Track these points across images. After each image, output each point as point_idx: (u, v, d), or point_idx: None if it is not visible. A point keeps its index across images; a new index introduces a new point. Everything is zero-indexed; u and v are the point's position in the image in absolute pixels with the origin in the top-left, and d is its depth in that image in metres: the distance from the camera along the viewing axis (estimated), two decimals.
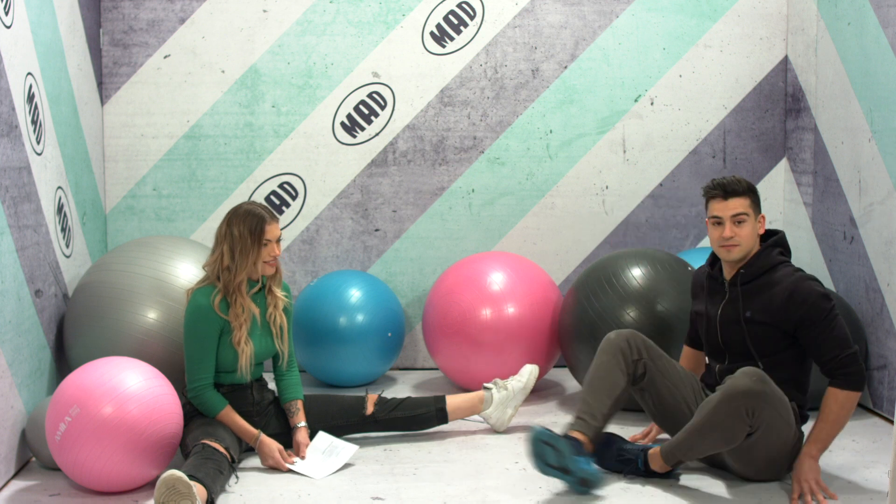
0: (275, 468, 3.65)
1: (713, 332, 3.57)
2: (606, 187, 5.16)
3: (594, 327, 4.22)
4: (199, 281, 3.75)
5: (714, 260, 3.64)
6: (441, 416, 3.97)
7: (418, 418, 3.96)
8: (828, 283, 4.68)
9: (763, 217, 3.53)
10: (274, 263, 3.70)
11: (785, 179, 5.21)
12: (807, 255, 4.95)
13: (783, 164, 5.22)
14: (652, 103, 5.15)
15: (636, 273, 4.26)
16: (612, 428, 4.09)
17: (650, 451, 3.44)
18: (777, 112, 5.19)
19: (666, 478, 3.47)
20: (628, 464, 3.45)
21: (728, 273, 3.54)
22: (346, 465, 3.68)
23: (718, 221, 3.48)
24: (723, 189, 3.46)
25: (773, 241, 3.54)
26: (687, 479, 3.50)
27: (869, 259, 4.34)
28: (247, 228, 3.64)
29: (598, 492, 3.35)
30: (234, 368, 3.68)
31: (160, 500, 3.04)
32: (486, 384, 4.08)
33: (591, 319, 4.25)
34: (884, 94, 4.19)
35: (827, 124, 4.73)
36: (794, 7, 5.06)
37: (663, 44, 5.13)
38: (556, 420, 4.23)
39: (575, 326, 4.33)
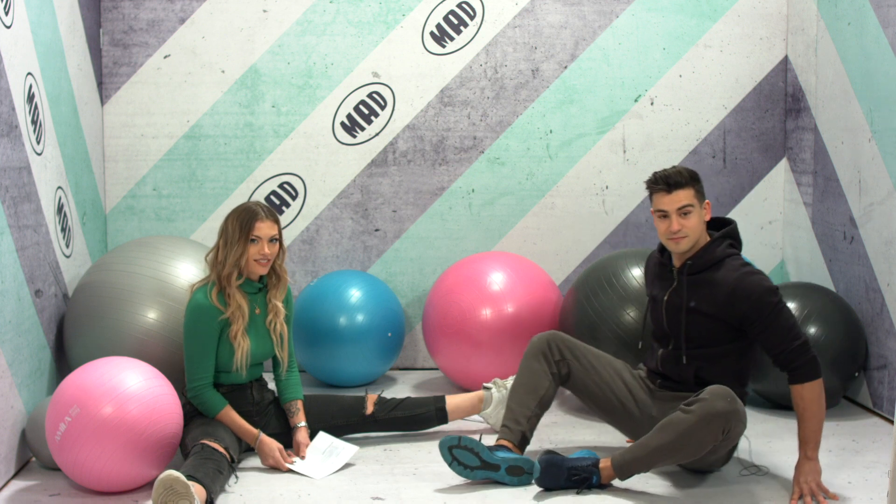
0: (275, 468, 3.64)
1: (659, 316, 3.58)
2: (606, 187, 5.16)
3: (594, 327, 4.23)
4: (203, 278, 3.76)
5: (664, 247, 3.63)
6: (441, 415, 3.97)
7: (418, 418, 3.96)
8: (828, 284, 4.68)
9: (708, 203, 3.52)
10: (265, 264, 3.68)
11: (785, 179, 5.21)
12: (807, 255, 4.95)
13: (783, 164, 5.21)
14: (652, 103, 5.15)
15: (636, 273, 4.26)
16: (602, 433, 4.10)
17: (601, 465, 3.38)
18: (777, 112, 5.19)
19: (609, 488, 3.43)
20: (583, 482, 3.36)
21: (677, 261, 3.54)
22: (346, 465, 3.68)
23: (664, 214, 3.47)
24: (666, 182, 3.45)
25: (724, 233, 3.52)
26: (686, 479, 3.50)
27: (869, 259, 4.34)
28: (237, 222, 3.65)
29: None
30: (231, 366, 3.68)
31: (158, 501, 3.03)
32: (485, 384, 4.08)
33: (591, 319, 4.25)
34: (884, 94, 4.19)
35: (827, 124, 4.73)
36: (794, 7, 5.06)
37: (663, 44, 5.13)
38: (556, 420, 4.23)
39: (575, 326, 4.33)
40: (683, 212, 3.44)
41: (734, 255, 3.50)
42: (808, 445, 3.35)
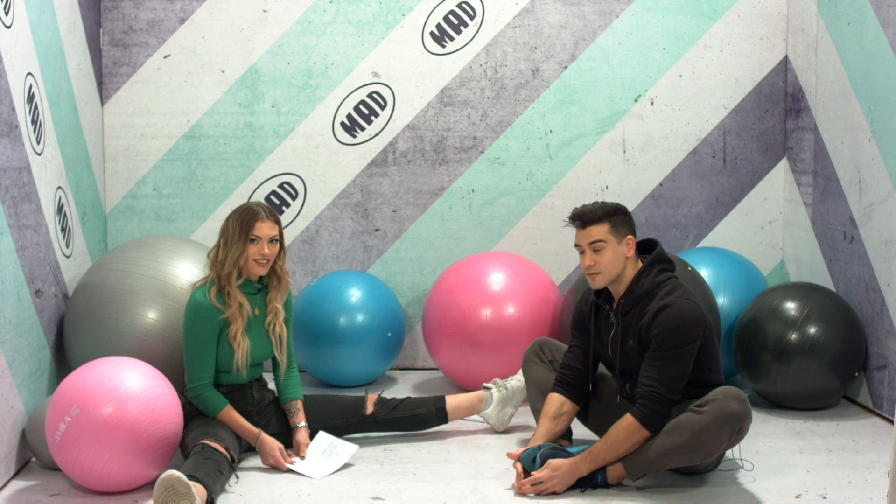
0: (275, 468, 3.64)
1: (611, 362, 3.57)
2: (606, 187, 5.16)
3: None
4: (203, 276, 3.76)
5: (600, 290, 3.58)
6: (441, 415, 3.97)
7: (418, 418, 3.96)
8: (828, 284, 4.68)
9: (631, 238, 3.44)
10: (265, 264, 3.67)
11: (785, 179, 5.21)
12: (807, 255, 4.95)
13: (783, 164, 5.22)
14: (652, 103, 5.15)
15: None
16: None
17: (608, 465, 3.38)
18: (777, 112, 5.19)
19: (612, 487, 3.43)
20: (587, 480, 3.36)
21: (615, 297, 3.50)
22: (346, 465, 3.68)
23: (582, 250, 3.45)
24: (580, 218, 3.43)
25: (652, 259, 3.46)
26: (685, 480, 3.50)
27: (869, 259, 4.34)
28: (237, 221, 3.65)
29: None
30: (232, 366, 3.68)
31: (159, 501, 3.04)
32: (485, 384, 4.08)
33: None
34: (884, 94, 4.19)
35: (827, 124, 4.73)
36: (794, 7, 5.06)
37: (663, 44, 5.13)
38: None
39: None
40: (595, 248, 3.40)
41: (663, 282, 3.43)
42: (587, 460, 3.33)
